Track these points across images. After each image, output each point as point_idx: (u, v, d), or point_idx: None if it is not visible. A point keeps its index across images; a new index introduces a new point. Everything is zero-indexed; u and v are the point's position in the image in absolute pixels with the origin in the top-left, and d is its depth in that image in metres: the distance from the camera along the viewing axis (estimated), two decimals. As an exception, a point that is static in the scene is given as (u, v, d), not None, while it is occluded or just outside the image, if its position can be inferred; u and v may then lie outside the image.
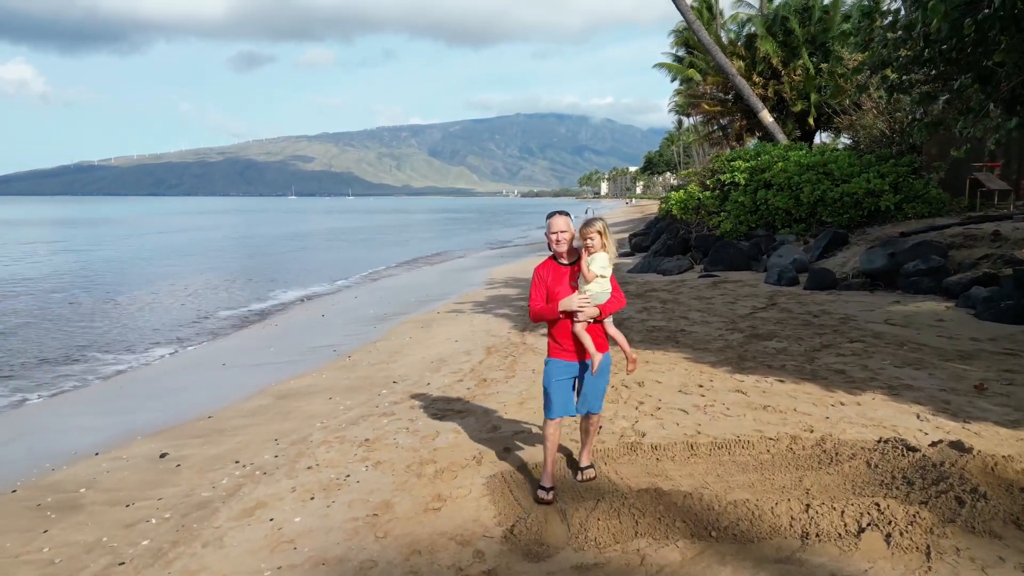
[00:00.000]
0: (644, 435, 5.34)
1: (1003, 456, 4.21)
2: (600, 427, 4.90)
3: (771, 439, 4.98)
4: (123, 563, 3.96)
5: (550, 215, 4.21)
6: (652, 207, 60.49)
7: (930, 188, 17.33)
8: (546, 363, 4.32)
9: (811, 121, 28.82)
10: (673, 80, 38.71)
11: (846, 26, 24.69)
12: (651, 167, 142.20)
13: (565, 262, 4.20)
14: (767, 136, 26.40)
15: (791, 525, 3.64)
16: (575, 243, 4.20)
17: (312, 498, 4.59)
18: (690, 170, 34.20)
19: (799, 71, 28.16)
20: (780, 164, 19.30)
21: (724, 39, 31.80)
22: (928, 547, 3.39)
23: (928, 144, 17.56)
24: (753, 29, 30.27)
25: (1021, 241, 12.35)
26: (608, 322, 4.24)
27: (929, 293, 11.24)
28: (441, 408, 6.51)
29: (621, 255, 22.15)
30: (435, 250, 33.95)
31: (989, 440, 4.94)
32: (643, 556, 3.53)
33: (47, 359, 10.92)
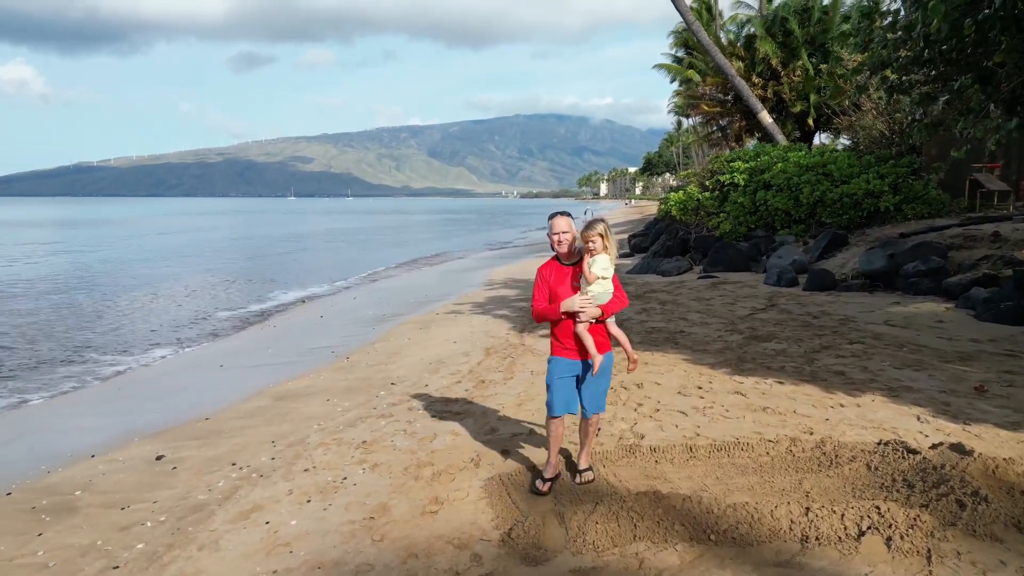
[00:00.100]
0: (643, 437, 5.31)
1: (1004, 459, 4.18)
2: (599, 429, 4.87)
3: (770, 441, 4.95)
4: (117, 567, 3.93)
5: (552, 216, 4.27)
6: (651, 208, 60.49)
7: (930, 189, 17.32)
8: (549, 361, 4.37)
9: (810, 122, 28.81)
10: (672, 81, 38.73)
11: (846, 27, 24.68)
12: (650, 168, 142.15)
13: (567, 262, 4.24)
14: (766, 137, 26.39)
15: (791, 528, 3.61)
16: (577, 244, 4.22)
17: (309, 501, 4.56)
18: (689, 171, 34.18)
19: (798, 72, 28.15)
20: (779, 165, 19.28)
21: (723, 40, 31.79)
22: (929, 551, 3.36)
23: (928, 145, 17.56)
24: (752, 30, 30.26)
25: (1021, 242, 12.33)
26: (610, 322, 4.27)
27: (929, 294, 11.21)
28: (439, 410, 6.48)
29: (620, 256, 22.13)
30: (434, 251, 33.92)
31: (989, 442, 4.91)
32: (641, 560, 3.50)
33: (46, 360, 10.89)
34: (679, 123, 79.17)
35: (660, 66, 38.01)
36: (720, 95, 31.07)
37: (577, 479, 4.44)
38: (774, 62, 28.45)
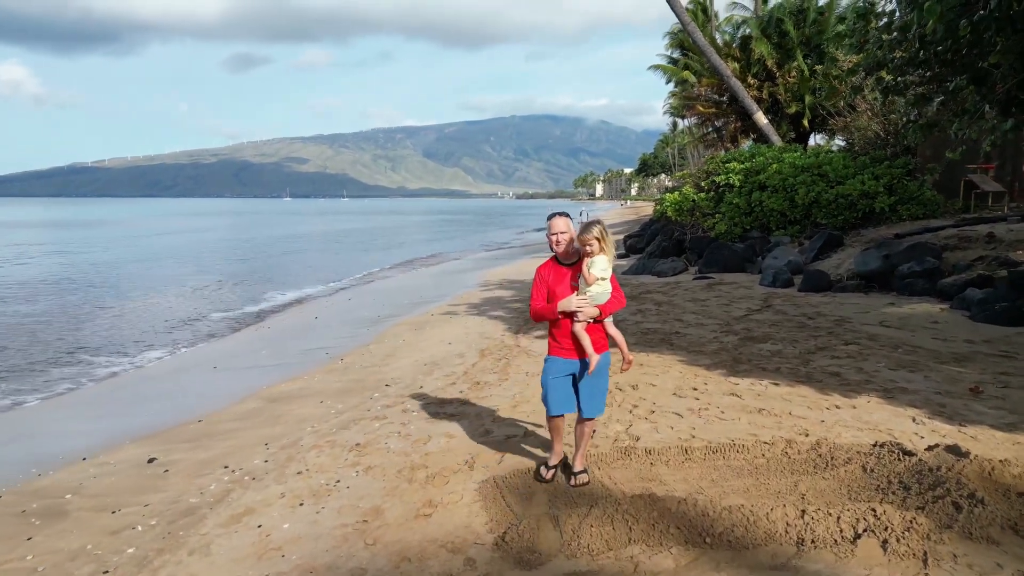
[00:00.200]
0: (638, 439, 5.29)
1: (1000, 460, 4.17)
2: (594, 431, 4.85)
3: (766, 443, 4.93)
4: (107, 571, 3.89)
5: (550, 216, 4.34)
6: (647, 209, 60.56)
7: (924, 190, 17.35)
8: (545, 361, 4.42)
9: (806, 123, 28.84)
10: (668, 82, 38.77)
11: (841, 28, 24.77)
12: (646, 169, 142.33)
13: (566, 262, 4.29)
14: (762, 138, 26.41)
15: (786, 531, 3.59)
16: (575, 245, 4.26)
17: (301, 504, 4.52)
18: (685, 172, 34.21)
19: (794, 73, 28.19)
20: (775, 166, 19.29)
21: (719, 41, 31.79)
22: (925, 553, 3.34)
23: (922, 146, 17.60)
24: (748, 31, 30.29)
25: (1015, 243, 12.35)
26: (608, 322, 4.32)
27: (924, 295, 11.22)
28: (434, 412, 6.45)
29: (616, 256, 22.11)
30: (430, 252, 33.88)
31: (985, 444, 4.90)
32: (636, 563, 3.47)
33: (40, 361, 10.84)
34: (675, 124, 79.30)
35: (656, 67, 38.05)
36: (716, 96, 31.08)
37: (572, 481, 4.41)
38: (769, 63, 28.49)
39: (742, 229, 19.13)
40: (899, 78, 9.79)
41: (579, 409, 4.40)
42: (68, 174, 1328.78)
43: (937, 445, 4.61)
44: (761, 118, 25.96)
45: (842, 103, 22.39)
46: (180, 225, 69.29)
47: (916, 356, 7.56)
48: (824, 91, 26.00)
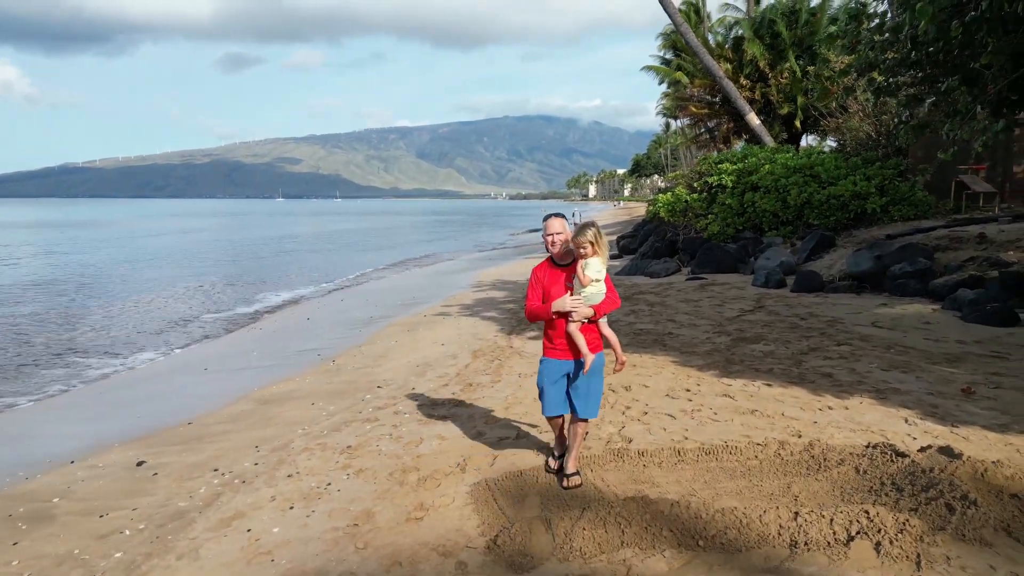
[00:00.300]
0: (631, 441, 5.27)
1: (992, 462, 4.16)
2: (587, 433, 4.83)
3: (759, 445, 4.91)
4: (94, 576, 3.85)
5: (546, 218, 4.41)
6: (640, 209, 60.64)
7: (916, 191, 17.40)
8: (541, 362, 4.47)
9: (798, 124, 28.92)
10: (661, 83, 38.88)
11: (833, 29, 24.83)
12: (639, 169, 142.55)
13: (561, 263, 4.34)
14: (754, 139, 26.46)
15: (779, 534, 3.57)
16: (571, 246, 4.33)
17: (292, 507, 4.48)
18: (678, 172, 34.26)
19: (786, 74, 28.27)
20: (767, 167, 19.32)
21: (711, 42, 31.87)
22: (918, 555, 3.33)
23: (914, 147, 17.66)
24: (740, 32, 30.36)
25: (1006, 243, 12.39)
26: (603, 322, 4.37)
27: (915, 295, 11.24)
28: (426, 414, 6.41)
29: (609, 257, 22.10)
30: (423, 252, 33.83)
31: (977, 445, 4.90)
32: (629, 566, 3.45)
33: (31, 363, 10.76)
34: (667, 125, 79.42)
35: (649, 68, 38.13)
36: (708, 97, 31.15)
37: (564, 483, 4.39)
38: (762, 64, 28.55)
39: (735, 230, 19.15)
40: (891, 79, 9.81)
41: (573, 410, 4.41)
42: (59, 174, 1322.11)
43: (930, 446, 4.61)
44: (753, 119, 26.01)
45: (834, 104, 22.49)
46: (172, 226, 69.00)
47: (908, 357, 7.56)
48: (816, 92, 26.06)
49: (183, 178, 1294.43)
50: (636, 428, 5.59)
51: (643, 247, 21.85)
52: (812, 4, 28.98)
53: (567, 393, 4.43)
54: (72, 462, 5.99)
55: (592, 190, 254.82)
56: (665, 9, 26.25)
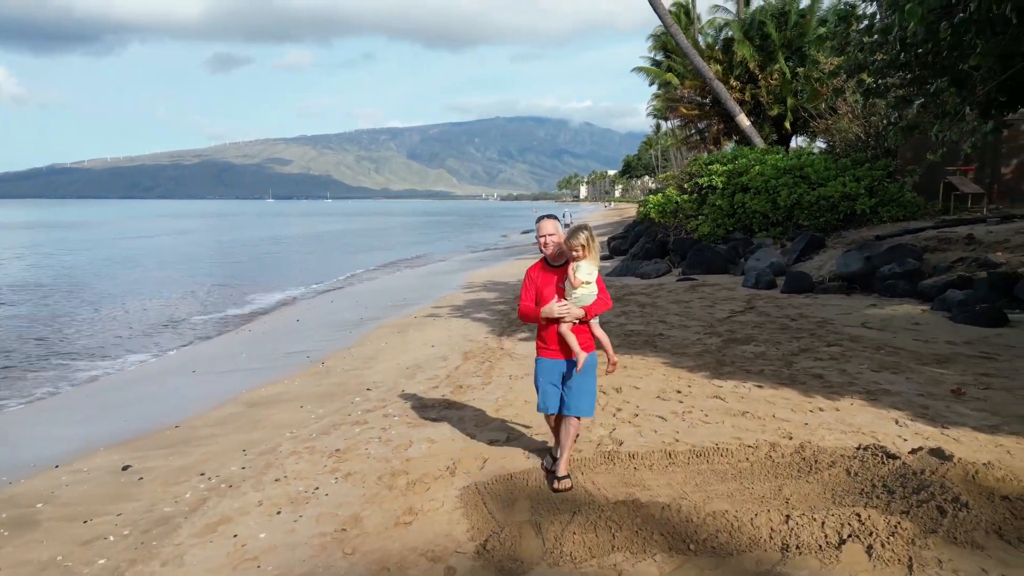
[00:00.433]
0: (622, 443, 5.24)
1: (983, 463, 4.15)
2: (578, 435, 4.80)
3: (750, 447, 4.89)
4: (77, 584, 3.78)
5: (539, 219, 4.46)
6: (630, 210, 60.73)
7: (905, 192, 17.48)
8: (536, 362, 4.52)
9: (787, 125, 29.02)
10: (651, 84, 38.89)
11: (822, 30, 24.94)
12: (630, 171, 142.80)
13: (555, 264, 4.39)
14: (744, 140, 26.54)
15: (771, 537, 3.55)
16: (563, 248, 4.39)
17: (279, 512, 4.42)
18: (668, 174, 34.32)
19: (776, 75, 28.37)
20: (757, 168, 19.37)
21: (701, 43, 31.94)
22: (910, 559, 3.31)
23: (903, 148, 17.74)
24: (730, 33, 30.45)
25: (994, 244, 12.45)
26: (594, 323, 4.41)
27: (905, 296, 11.28)
28: (415, 416, 6.36)
29: (600, 259, 22.10)
30: (414, 253, 33.75)
31: (968, 446, 4.89)
32: (620, 571, 3.42)
33: (18, 366, 10.64)
34: (658, 126, 79.56)
35: (639, 69, 38.16)
36: (698, 98, 31.23)
37: (555, 484, 4.36)
38: (751, 65, 28.65)
39: (725, 231, 19.19)
40: (880, 80, 9.83)
41: (566, 406, 4.42)
42: (47, 175, 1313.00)
43: (921, 448, 4.60)
44: (744, 120, 26.09)
45: (824, 105, 22.55)
46: (161, 227, 68.59)
47: (898, 357, 7.57)
48: (806, 93, 26.16)
49: (172, 179, 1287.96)
50: (627, 430, 5.56)
51: (634, 248, 21.86)
52: (801, 6, 29.12)
53: (561, 391, 4.46)
54: (57, 466, 5.91)
55: (583, 191, 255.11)
56: (655, 10, 26.28)
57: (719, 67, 29.36)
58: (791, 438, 5.17)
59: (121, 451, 6.23)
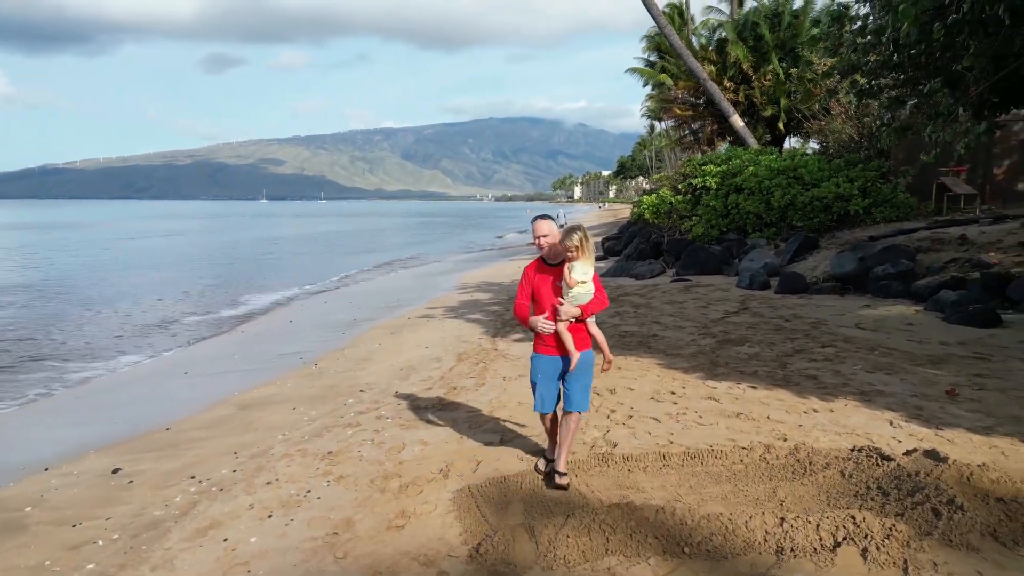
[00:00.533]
0: (616, 445, 5.21)
1: (978, 465, 4.14)
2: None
3: (744, 448, 4.88)
4: (65, 589, 3.74)
5: (534, 219, 4.50)
6: (625, 211, 60.72)
7: (898, 192, 17.51)
8: (532, 359, 4.52)
9: (781, 126, 29.08)
10: (645, 85, 38.95)
11: (816, 31, 24.97)
12: (624, 171, 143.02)
13: (551, 263, 4.42)
14: (738, 141, 26.57)
15: (766, 540, 3.53)
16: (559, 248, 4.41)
17: (270, 516, 4.39)
18: (662, 174, 34.37)
19: (769, 76, 28.41)
20: (751, 168, 19.39)
21: (695, 44, 31.99)
22: (905, 561, 3.30)
23: (896, 149, 17.75)
24: (724, 34, 30.49)
25: (987, 245, 12.48)
26: (591, 321, 4.44)
27: (898, 297, 11.29)
28: (408, 418, 6.33)
29: (595, 259, 22.09)
30: (408, 254, 33.67)
31: (962, 447, 4.89)
32: (614, 575, 3.39)
33: (9, 368, 10.55)
34: (652, 127, 79.67)
35: (633, 70, 38.21)
36: (692, 99, 31.25)
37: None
38: (745, 66, 28.69)
39: (719, 231, 19.20)
40: (873, 81, 9.85)
41: (565, 401, 4.44)
42: (39, 176, 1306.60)
43: (915, 450, 4.59)
44: (737, 121, 26.12)
45: (817, 106, 22.60)
46: (155, 227, 68.29)
47: (892, 358, 7.57)
48: (799, 94, 26.21)
49: (166, 179, 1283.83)
50: (621, 432, 5.54)
51: (628, 249, 21.86)
52: (795, 6, 29.17)
53: (558, 389, 4.47)
54: (46, 469, 5.86)
55: (577, 192, 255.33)
56: (649, 11, 26.31)
57: (713, 68, 29.40)
58: (785, 440, 5.16)
59: (112, 454, 6.17)
